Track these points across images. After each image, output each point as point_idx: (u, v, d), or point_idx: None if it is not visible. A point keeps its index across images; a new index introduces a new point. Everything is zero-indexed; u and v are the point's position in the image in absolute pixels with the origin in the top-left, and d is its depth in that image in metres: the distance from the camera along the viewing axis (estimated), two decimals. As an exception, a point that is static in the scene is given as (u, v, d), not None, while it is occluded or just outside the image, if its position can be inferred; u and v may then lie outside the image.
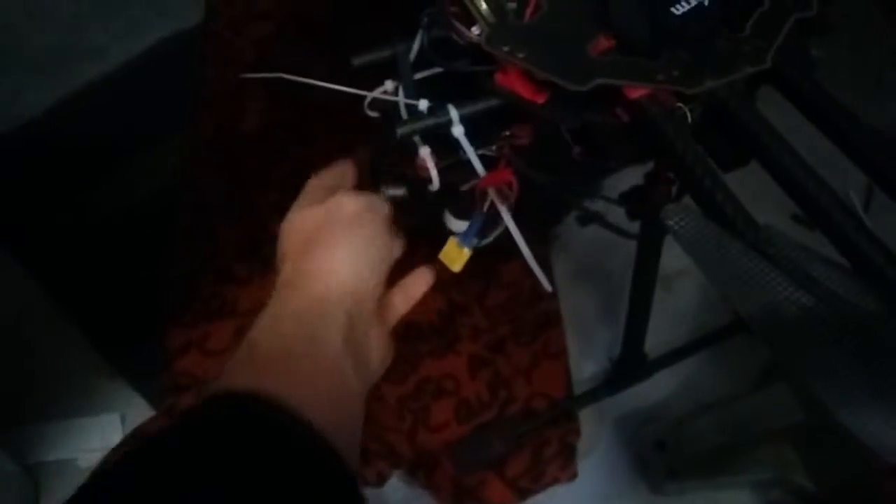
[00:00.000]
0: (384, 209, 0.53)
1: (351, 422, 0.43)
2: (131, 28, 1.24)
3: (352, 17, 1.22)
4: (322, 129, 1.17)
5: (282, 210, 0.53)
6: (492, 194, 0.55)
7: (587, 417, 0.98)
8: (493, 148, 0.57)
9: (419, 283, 0.58)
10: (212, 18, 1.29)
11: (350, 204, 0.51)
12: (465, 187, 0.56)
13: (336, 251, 0.49)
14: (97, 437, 0.96)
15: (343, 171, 0.56)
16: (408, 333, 0.99)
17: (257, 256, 1.04)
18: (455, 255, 0.57)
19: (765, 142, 0.49)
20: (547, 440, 0.94)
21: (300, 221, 0.52)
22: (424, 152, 0.55)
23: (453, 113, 0.53)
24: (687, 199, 0.52)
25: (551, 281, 1.01)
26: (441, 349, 1.00)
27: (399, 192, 0.58)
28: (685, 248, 0.40)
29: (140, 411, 0.98)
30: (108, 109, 1.20)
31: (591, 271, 1.12)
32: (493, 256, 1.06)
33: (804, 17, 0.56)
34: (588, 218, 1.11)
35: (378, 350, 0.50)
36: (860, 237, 0.45)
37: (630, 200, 0.72)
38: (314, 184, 0.55)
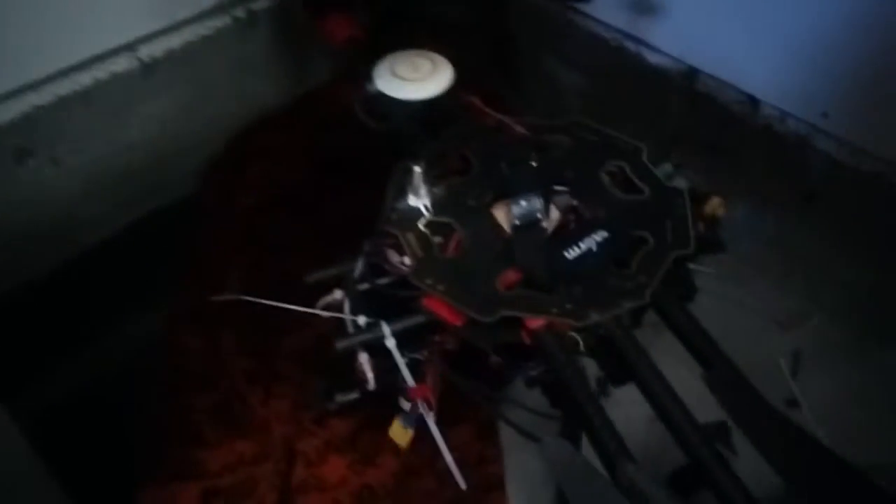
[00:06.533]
0: None
1: None
2: (133, 198, 1.34)
3: (329, 188, 1.35)
4: (295, 300, 1.26)
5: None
6: (419, 403, 0.65)
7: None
8: (424, 352, 0.67)
9: None
10: (204, 190, 1.42)
11: None
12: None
13: None
14: None
15: None
16: (361, 496, 1.05)
17: (227, 420, 1.12)
18: (401, 434, 0.68)
19: (641, 371, 0.59)
20: None
21: None
22: (363, 359, 0.65)
23: (386, 329, 0.63)
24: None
25: (498, 442, 1.08)
26: (393, 513, 1.06)
27: (350, 396, 0.69)
28: (557, 477, 0.49)
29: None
30: (102, 275, 1.29)
31: (538, 432, 1.18)
32: (443, 422, 1.12)
33: (683, 254, 0.67)
34: (534, 381, 1.19)
35: None
36: (722, 475, 0.53)
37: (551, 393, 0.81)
38: None
